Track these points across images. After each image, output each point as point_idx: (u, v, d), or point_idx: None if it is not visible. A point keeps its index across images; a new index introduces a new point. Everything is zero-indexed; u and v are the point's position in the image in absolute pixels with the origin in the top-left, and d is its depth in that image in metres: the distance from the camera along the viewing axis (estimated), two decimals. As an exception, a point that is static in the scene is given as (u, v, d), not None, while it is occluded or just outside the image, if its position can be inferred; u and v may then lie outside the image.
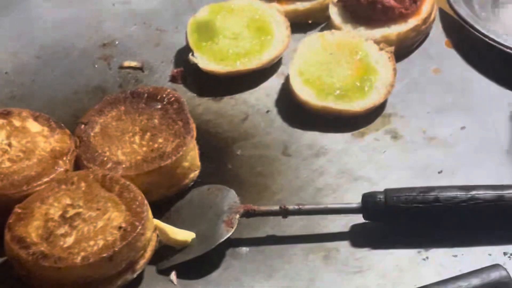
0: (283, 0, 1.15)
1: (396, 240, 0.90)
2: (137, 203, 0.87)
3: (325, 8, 1.14)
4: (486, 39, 1.08)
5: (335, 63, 1.07)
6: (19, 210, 0.86)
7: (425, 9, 1.11)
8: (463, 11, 1.11)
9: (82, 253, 0.82)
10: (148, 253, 0.87)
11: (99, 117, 0.98)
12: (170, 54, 1.14)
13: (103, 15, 1.20)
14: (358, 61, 1.06)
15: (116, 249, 0.83)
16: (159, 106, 0.98)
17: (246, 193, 0.96)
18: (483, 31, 1.08)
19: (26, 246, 0.83)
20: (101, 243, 0.83)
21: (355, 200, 0.92)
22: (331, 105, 1.03)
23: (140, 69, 1.13)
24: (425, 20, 1.11)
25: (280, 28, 1.11)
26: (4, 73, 1.12)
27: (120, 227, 0.84)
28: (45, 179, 0.90)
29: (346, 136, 1.03)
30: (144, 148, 0.94)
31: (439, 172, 0.97)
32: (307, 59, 1.07)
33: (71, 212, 0.86)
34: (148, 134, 0.96)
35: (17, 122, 0.95)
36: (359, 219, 0.91)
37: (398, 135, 1.02)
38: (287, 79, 1.08)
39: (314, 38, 1.09)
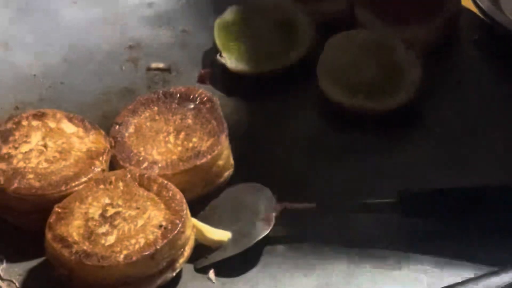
0: (309, 0, 1.16)
1: (435, 236, 0.91)
2: (176, 201, 0.87)
3: (351, 8, 1.15)
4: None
5: (363, 62, 1.07)
6: (59, 210, 0.87)
7: (451, 8, 1.11)
8: (488, 8, 1.11)
9: (125, 252, 0.82)
10: (187, 252, 0.87)
11: (133, 117, 0.98)
12: (196, 55, 1.15)
13: (128, 17, 1.21)
14: (386, 60, 1.07)
15: (158, 247, 0.83)
16: (192, 106, 0.99)
17: (279, 192, 0.95)
18: (509, 27, 1.09)
19: (68, 245, 0.83)
20: (142, 241, 0.83)
21: (391, 197, 0.93)
22: (360, 104, 1.03)
23: (168, 70, 1.13)
24: (451, 19, 1.12)
25: (307, 28, 1.12)
26: (32, 76, 1.13)
27: (160, 225, 0.85)
28: (83, 179, 0.90)
29: (377, 134, 1.03)
30: (179, 148, 0.95)
31: (473, 169, 0.97)
32: (334, 58, 1.08)
33: (111, 211, 0.86)
34: (183, 133, 0.96)
35: (51, 123, 0.96)
36: (396, 215, 0.92)
37: (430, 132, 1.03)
38: (315, 78, 1.08)
39: (341, 37, 1.10)
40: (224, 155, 0.95)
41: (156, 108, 0.99)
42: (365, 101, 1.04)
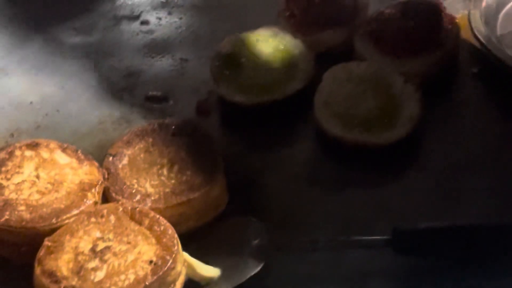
0: (308, 31, 1.15)
1: (429, 275, 0.89)
2: (168, 236, 0.86)
3: (350, 40, 1.14)
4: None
5: (361, 94, 1.06)
6: (49, 243, 0.86)
7: (450, 41, 1.10)
8: (488, 42, 1.11)
9: None
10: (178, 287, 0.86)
11: (127, 149, 0.98)
12: (194, 85, 1.14)
13: (126, 44, 1.21)
14: (384, 93, 1.06)
15: (147, 283, 0.82)
16: (187, 139, 0.98)
17: (273, 226, 0.95)
18: (508, 62, 1.08)
19: (57, 281, 0.82)
20: (132, 277, 0.83)
21: (385, 232, 0.91)
22: (357, 137, 1.02)
23: (165, 99, 1.13)
24: (450, 52, 1.11)
25: (305, 59, 1.11)
26: (29, 103, 1.12)
27: (150, 261, 0.84)
28: (75, 212, 0.89)
29: (373, 167, 1.02)
30: (173, 181, 0.94)
31: (469, 206, 0.96)
32: (332, 90, 1.07)
33: (101, 245, 0.86)
34: (176, 166, 0.95)
35: (45, 154, 0.95)
36: (389, 251, 0.91)
37: (426, 167, 1.01)
38: (312, 110, 1.08)
39: (339, 69, 1.09)
40: (218, 189, 0.95)
41: (150, 140, 0.99)
42: (362, 135, 1.02)
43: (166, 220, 0.89)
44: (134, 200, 0.92)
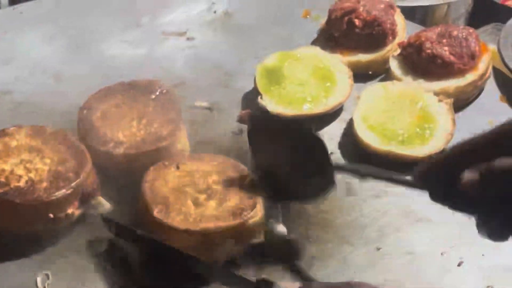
0: (346, 51, 1.23)
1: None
2: None
3: (386, 61, 1.22)
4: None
5: (397, 111, 1.13)
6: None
7: (481, 66, 1.18)
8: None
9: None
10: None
11: (100, 104, 1.09)
12: (237, 97, 1.21)
13: (174, 57, 1.28)
14: (419, 110, 1.12)
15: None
16: (153, 97, 1.10)
17: (311, 229, 1.01)
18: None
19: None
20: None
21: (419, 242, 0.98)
22: (394, 150, 1.08)
23: (209, 109, 1.19)
24: (481, 76, 1.18)
25: (343, 77, 1.18)
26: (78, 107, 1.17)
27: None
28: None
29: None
30: (142, 132, 1.06)
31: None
32: (370, 106, 1.14)
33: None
34: (145, 120, 1.07)
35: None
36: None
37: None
38: (349, 124, 1.14)
39: (377, 87, 1.16)
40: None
41: (121, 97, 1.10)
42: (399, 148, 1.08)
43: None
44: (108, 146, 1.03)
